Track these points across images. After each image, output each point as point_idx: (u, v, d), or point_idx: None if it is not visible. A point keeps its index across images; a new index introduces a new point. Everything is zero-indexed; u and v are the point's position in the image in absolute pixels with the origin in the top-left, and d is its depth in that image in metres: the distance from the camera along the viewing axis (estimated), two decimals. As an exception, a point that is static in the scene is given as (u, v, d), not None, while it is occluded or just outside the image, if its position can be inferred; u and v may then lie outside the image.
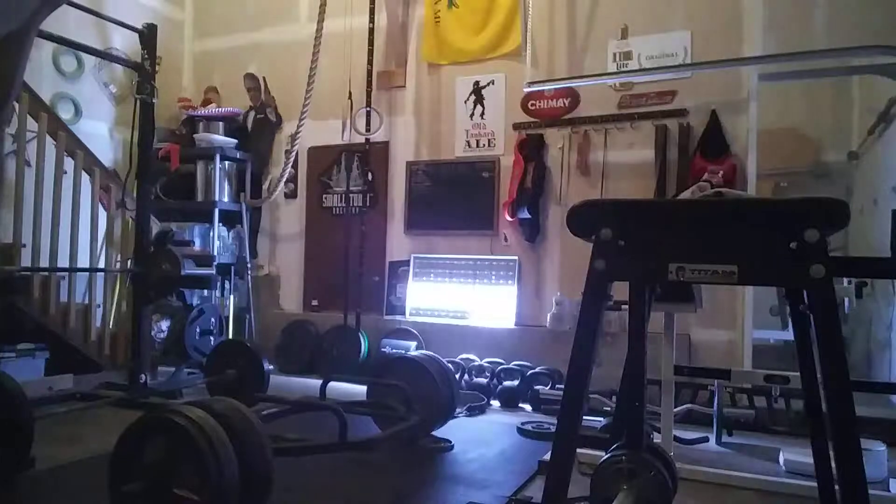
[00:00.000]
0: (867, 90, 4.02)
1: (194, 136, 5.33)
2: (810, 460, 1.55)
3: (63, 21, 4.10)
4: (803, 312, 1.50)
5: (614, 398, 3.54)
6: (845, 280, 3.14)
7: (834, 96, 4.16)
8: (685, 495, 2.23)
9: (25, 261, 3.69)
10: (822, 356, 1.12)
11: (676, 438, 2.91)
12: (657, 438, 2.60)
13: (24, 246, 3.73)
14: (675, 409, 3.12)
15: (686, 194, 1.94)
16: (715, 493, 2.47)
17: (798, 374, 1.57)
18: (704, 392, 3.62)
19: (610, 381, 3.41)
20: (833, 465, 1.11)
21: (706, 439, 3.15)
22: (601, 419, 3.25)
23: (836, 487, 1.10)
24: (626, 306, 1.69)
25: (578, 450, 2.12)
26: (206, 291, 4.80)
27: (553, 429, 3.23)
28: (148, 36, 3.67)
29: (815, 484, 1.54)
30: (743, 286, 3.71)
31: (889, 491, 2.43)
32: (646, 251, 1.35)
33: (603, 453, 1.72)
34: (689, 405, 3.53)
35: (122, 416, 2.59)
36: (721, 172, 3.94)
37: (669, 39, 4.20)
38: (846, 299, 3.34)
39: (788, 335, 4.35)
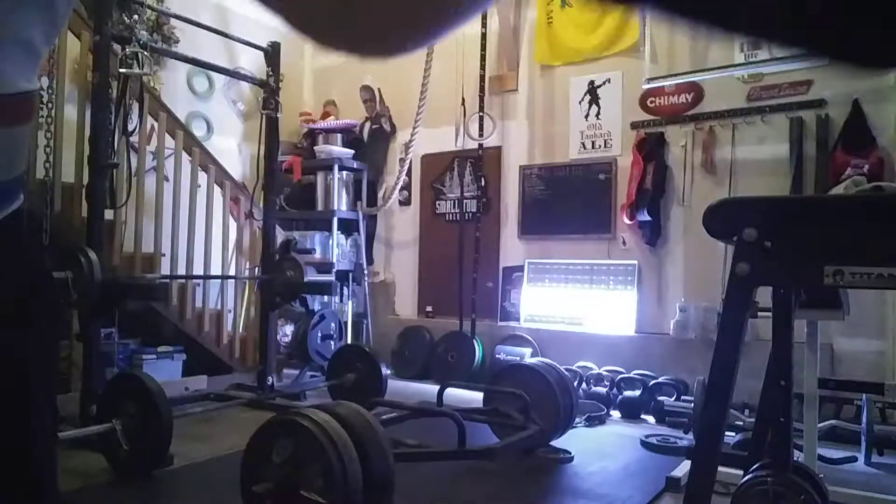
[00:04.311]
0: None
1: (314, 148, 5.54)
2: None
3: (196, 44, 4.39)
4: None
5: (747, 412, 3.30)
6: None
7: None
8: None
9: (165, 269, 3.95)
10: None
11: (821, 458, 2.66)
12: (798, 457, 2.39)
13: (164, 255, 3.99)
14: (819, 426, 2.86)
15: (838, 189, 1.76)
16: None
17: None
18: (849, 407, 3.31)
19: (741, 394, 3.18)
20: None
21: (854, 459, 2.88)
22: (734, 434, 3.04)
23: None
24: (763, 313, 1.55)
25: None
26: (326, 297, 4.95)
27: (679, 443, 3.08)
28: (272, 54, 3.84)
29: None
30: (893, 292, 3.36)
31: None
32: (797, 253, 1.23)
33: (741, 472, 1.59)
34: (832, 421, 3.24)
35: (252, 417, 2.71)
36: (866, 167, 3.60)
37: (804, 25, 3.89)
38: None
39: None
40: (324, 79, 6.12)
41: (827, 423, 3.18)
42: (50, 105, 3.42)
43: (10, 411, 0.67)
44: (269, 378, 3.73)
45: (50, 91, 3.42)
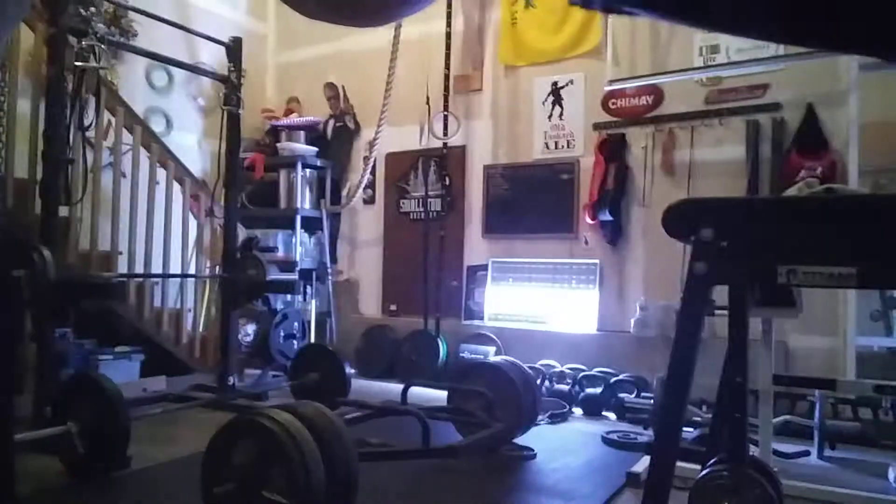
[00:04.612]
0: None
1: (277, 145, 5.48)
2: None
3: (154, 37, 4.29)
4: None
5: (705, 408, 3.38)
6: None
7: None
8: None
9: (122, 267, 3.86)
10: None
11: (776, 452, 2.74)
12: (754, 451, 2.45)
13: (121, 253, 3.90)
14: (773, 421, 2.94)
15: (792, 191, 1.82)
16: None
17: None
18: (803, 403, 3.41)
19: (699, 391, 3.26)
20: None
21: (807, 453, 2.97)
22: (692, 430, 3.11)
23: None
24: (720, 311, 1.59)
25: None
26: (289, 296, 4.91)
27: (640, 439, 3.13)
28: (234, 49, 3.78)
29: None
30: (844, 290, 3.47)
31: None
32: (752, 252, 1.26)
33: (699, 467, 1.63)
34: (786, 416, 3.33)
35: (213, 418, 2.67)
36: (819, 169, 3.72)
37: (760, 31, 3.99)
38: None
39: (893, 342, 4.05)
40: (287, 75, 6.05)
41: (781, 418, 3.28)
42: (2, 98, 3.31)
43: None
44: (231, 378, 3.68)
45: (2, 84, 3.32)
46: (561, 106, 4.70)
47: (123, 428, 2.36)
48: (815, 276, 1.18)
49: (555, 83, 4.71)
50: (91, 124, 3.16)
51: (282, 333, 4.16)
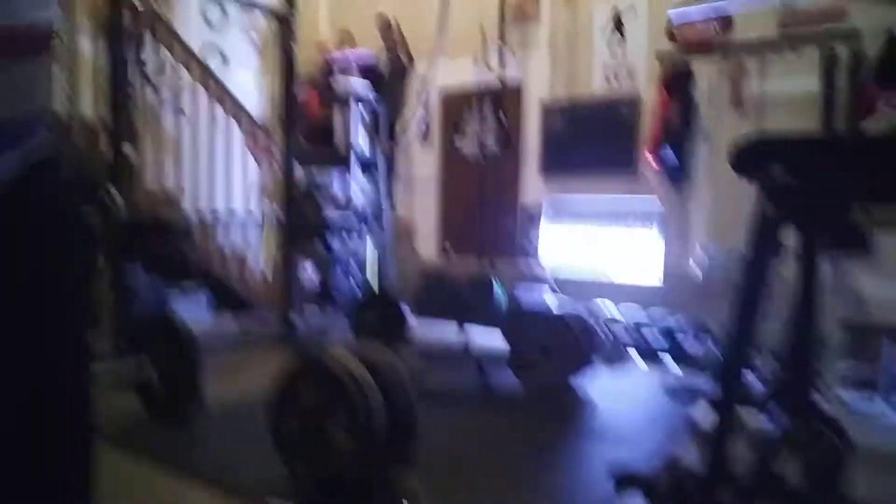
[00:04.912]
0: None
1: (331, 80, 5.44)
2: None
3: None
4: None
5: (770, 355, 3.30)
6: None
7: None
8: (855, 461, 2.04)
9: (185, 206, 3.95)
10: None
11: (842, 402, 2.68)
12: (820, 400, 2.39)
13: (184, 191, 3.99)
14: (840, 370, 2.87)
15: (869, 126, 1.70)
16: (891, 460, 2.25)
17: None
18: (870, 350, 3.29)
19: (764, 337, 3.17)
20: None
21: (873, 401, 2.88)
22: (756, 377, 3.05)
23: None
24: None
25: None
26: (346, 235, 4.96)
27: (700, 386, 3.09)
28: (286, -18, 3.72)
29: None
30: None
31: None
32: (825, 192, 1.20)
33: (764, 416, 1.60)
34: (850, 362, 3.23)
35: (278, 356, 2.76)
36: (898, 102, 3.46)
37: (843, -52, 3.68)
38: None
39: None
40: (339, 8, 5.96)
41: (847, 366, 3.17)
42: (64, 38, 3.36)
43: (48, 343, 0.68)
44: (293, 317, 3.78)
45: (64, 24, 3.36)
46: (622, 35, 4.49)
47: (195, 365, 2.43)
48: (892, 216, 1.12)
49: (616, 10, 4.49)
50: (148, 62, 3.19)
51: (341, 274, 4.23)
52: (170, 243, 3.65)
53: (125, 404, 2.53)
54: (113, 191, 2.77)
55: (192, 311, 4.02)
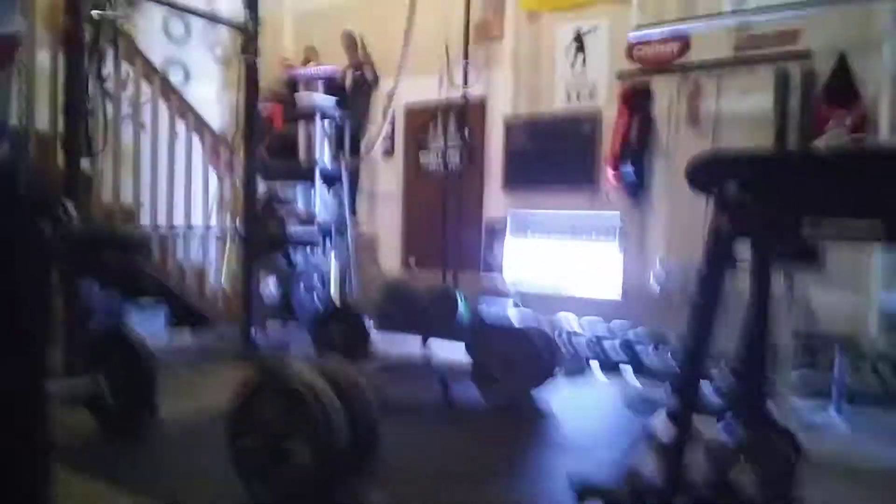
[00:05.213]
0: None
1: (295, 95, 5.42)
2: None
3: (171, -13, 4.21)
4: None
5: (723, 364, 3.36)
6: None
7: None
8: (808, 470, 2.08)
9: (144, 221, 3.88)
10: None
11: (796, 411, 2.74)
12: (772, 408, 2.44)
13: (143, 205, 3.92)
14: (793, 380, 2.94)
15: (820, 143, 1.76)
16: (841, 469, 2.31)
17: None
18: (822, 360, 3.38)
19: (719, 346, 3.23)
20: None
21: (825, 410, 2.96)
22: (711, 385, 3.11)
23: None
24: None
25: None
26: (309, 250, 4.93)
27: (657, 395, 3.14)
28: (250, -3, 3.71)
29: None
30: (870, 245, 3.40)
31: None
32: (777, 206, 1.23)
33: (720, 426, 1.62)
34: (803, 372, 3.31)
35: (236, 371, 2.71)
36: (849, 121, 3.59)
37: (793, -27, 3.81)
38: None
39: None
40: (304, 24, 5.96)
41: (798, 374, 3.26)
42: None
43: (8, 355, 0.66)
44: (253, 332, 3.73)
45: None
46: (584, 54, 4.58)
47: (151, 382, 2.39)
48: (840, 229, 1.16)
49: (578, 30, 4.58)
50: (108, 76, 3.14)
51: (302, 287, 4.19)
52: (126, 258, 3.57)
53: (78, 422, 2.47)
54: (68, 205, 2.70)
55: (150, 327, 3.94)
